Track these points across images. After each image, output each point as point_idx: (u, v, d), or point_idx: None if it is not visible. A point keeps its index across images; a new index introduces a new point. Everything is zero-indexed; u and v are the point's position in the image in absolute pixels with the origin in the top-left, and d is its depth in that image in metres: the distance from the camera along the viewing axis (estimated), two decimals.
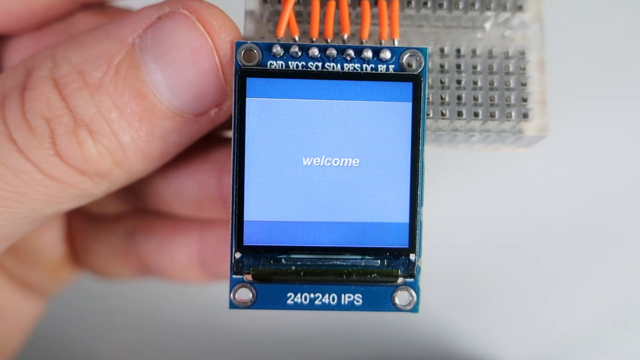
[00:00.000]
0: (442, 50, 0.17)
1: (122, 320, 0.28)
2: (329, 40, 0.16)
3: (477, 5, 0.17)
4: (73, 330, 0.28)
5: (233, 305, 0.16)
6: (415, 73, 0.16)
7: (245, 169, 0.15)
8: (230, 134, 0.18)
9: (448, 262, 0.27)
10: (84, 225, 0.23)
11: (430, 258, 0.24)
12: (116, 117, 0.16)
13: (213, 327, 0.27)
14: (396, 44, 0.16)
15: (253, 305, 0.16)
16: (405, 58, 0.16)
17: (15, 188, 0.16)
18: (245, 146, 0.15)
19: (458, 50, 0.17)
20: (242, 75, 0.15)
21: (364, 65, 0.16)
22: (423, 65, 0.16)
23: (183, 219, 0.22)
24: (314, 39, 0.16)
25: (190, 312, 0.28)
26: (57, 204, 0.17)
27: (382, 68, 0.16)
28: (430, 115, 0.17)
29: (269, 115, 0.15)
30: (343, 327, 0.27)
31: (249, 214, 0.15)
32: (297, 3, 0.17)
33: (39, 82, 0.16)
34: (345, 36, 0.16)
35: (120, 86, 0.16)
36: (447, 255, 0.27)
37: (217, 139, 0.21)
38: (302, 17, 0.17)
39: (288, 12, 0.16)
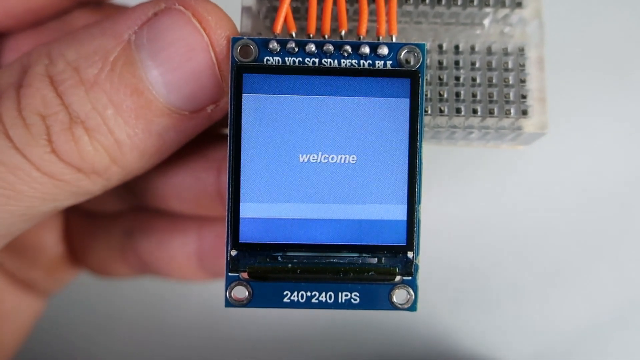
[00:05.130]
0: (440, 46, 0.17)
1: (120, 319, 0.28)
2: (326, 37, 0.16)
3: (475, 2, 0.17)
4: (70, 329, 0.28)
5: (229, 303, 0.15)
6: (413, 69, 0.15)
7: (242, 166, 0.15)
8: (227, 130, 0.17)
9: (447, 260, 0.27)
10: (82, 224, 0.23)
11: (429, 257, 0.24)
12: (112, 114, 0.16)
13: (211, 325, 0.27)
14: (394, 40, 0.16)
15: (249, 303, 0.15)
16: (403, 54, 0.16)
17: (11, 185, 0.16)
18: (242, 143, 0.15)
19: (456, 47, 0.17)
20: (239, 71, 0.15)
21: (361, 62, 0.16)
22: (421, 61, 0.16)
23: (181, 216, 0.22)
24: (311, 35, 0.16)
25: (188, 311, 0.27)
26: (54, 201, 0.17)
27: (379, 64, 0.16)
28: (429, 112, 0.16)
29: (265, 111, 0.15)
30: (341, 325, 0.27)
31: (244, 211, 0.15)
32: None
33: (35, 79, 0.16)
34: (343, 32, 0.16)
35: (116, 83, 0.16)
36: (446, 253, 0.27)
37: (215, 136, 0.20)
38: (300, 13, 0.17)
39: (285, 8, 0.16)
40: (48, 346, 0.27)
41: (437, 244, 0.27)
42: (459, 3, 0.17)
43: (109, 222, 0.23)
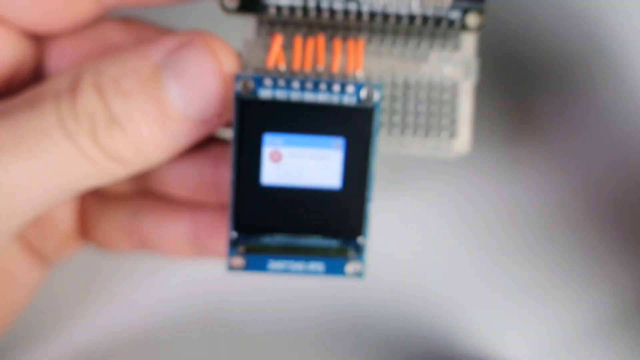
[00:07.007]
0: (393, 80, 0.22)
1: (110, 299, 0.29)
2: (307, 73, 0.21)
3: (421, 45, 0.22)
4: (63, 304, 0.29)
5: (230, 268, 0.21)
6: (369, 106, 0.21)
7: (241, 175, 0.21)
8: (224, 133, 0.23)
9: (449, 262, 0.28)
10: (94, 202, 0.26)
11: (431, 258, 0.28)
12: (140, 118, 0.20)
13: (207, 314, 0.29)
14: (359, 75, 0.21)
15: (244, 269, 0.21)
16: (364, 92, 0.21)
17: (61, 165, 0.20)
18: (241, 151, 0.21)
19: (405, 80, 0.22)
20: (239, 102, 0.20)
21: (333, 97, 0.21)
22: (377, 98, 0.21)
23: (181, 201, 0.26)
24: (296, 72, 0.21)
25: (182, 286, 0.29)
26: (89, 181, 0.21)
27: (347, 99, 0.21)
28: (379, 134, 0.22)
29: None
30: (345, 324, 0.28)
31: (242, 212, 0.21)
32: (285, 37, 0.22)
33: (86, 86, 0.20)
34: (321, 67, 0.21)
35: (145, 95, 0.20)
36: (447, 255, 0.29)
37: (214, 137, 0.25)
38: (290, 46, 0.22)
39: (275, 50, 0.21)
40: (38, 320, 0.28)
41: (439, 245, 0.28)
42: (409, 45, 0.22)
43: (118, 202, 0.26)
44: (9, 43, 0.23)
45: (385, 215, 0.28)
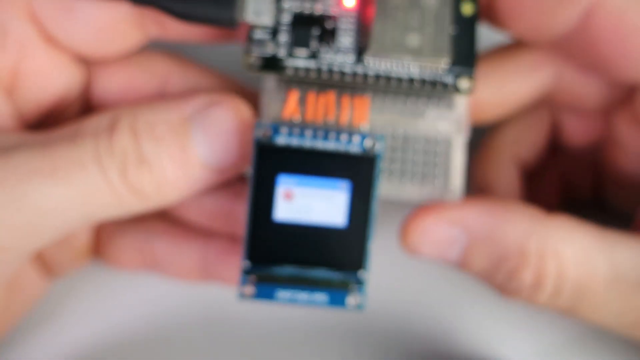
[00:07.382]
0: (393, 133, 0.25)
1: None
2: (318, 123, 0.24)
3: (419, 103, 0.25)
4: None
5: (241, 296, 0.24)
6: (372, 154, 0.23)
7: (257, 212, 0.23)
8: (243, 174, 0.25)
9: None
10: (113, 223, 0.28)
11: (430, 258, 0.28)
12: (167, 161, 0.23)
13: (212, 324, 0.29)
14: (364, 128, 0.24)
15: (254, 297, 0.24)
16: (368, 142, 0.24)
17: (89, 194, 0.23)
18: (258, 191, 0.23)
19: (404, 133, 0.25)
20: (258, 147, 0.23)
21: (341, 145, 0.24)
22: (380, 148, 0.24)
23: (194, 227, 0.28)
24: (308, 122, 0.24)
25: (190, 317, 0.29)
26: (109, 212, 0.24)
27: (353, 148, 0.24)
28: (380, 180, 0.25)
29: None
30: (345, 324, 0.29)
31: (256, 244, 0.23)
32: (300, 92, 0.25)
33: (124, 128, 0.23)
34: (331, 120, 0.24)
35: (174, 141, 0.23)
36: None
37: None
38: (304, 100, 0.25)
39: (291, 104, 0.24)
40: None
41: None
42: (408, 103, 0.25)
43: (134, 223, 0.28)
44: (63, 67, 0.26)
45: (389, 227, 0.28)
